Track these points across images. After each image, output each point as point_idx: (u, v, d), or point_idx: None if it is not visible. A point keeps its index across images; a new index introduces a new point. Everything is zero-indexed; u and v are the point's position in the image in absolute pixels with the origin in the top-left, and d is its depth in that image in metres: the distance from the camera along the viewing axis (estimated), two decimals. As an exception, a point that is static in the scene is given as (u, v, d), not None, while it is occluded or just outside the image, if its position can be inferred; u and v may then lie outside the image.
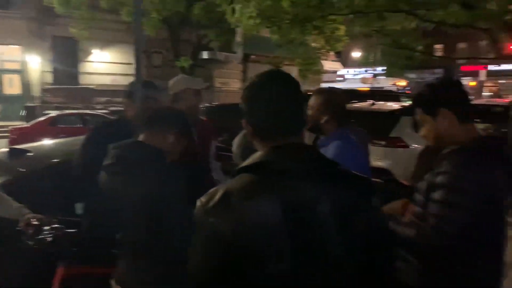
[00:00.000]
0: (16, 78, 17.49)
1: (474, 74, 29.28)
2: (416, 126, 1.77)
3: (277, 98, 1.08)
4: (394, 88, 24.97)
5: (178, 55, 16.10)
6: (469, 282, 1.52)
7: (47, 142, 4.65)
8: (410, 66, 10.89)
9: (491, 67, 28.24)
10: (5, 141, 10.61)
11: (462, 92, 1.67)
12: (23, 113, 14.81)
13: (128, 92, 2.49)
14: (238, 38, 15.67)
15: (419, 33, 10.42)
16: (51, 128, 11.25)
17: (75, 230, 2.20)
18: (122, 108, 2.67)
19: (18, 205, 2.08)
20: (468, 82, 28.30)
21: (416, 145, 6.03)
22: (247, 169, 1.05)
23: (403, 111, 6.68)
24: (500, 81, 30.04)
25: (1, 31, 15.69)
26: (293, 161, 1.03)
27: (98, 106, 15.77)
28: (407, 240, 1.51)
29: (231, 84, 21.74)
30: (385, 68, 17.93)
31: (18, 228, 1.91)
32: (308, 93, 2.65)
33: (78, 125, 11.75)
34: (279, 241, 0.96)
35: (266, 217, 0.96)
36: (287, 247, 0.96)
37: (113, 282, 1.78)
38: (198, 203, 1.04)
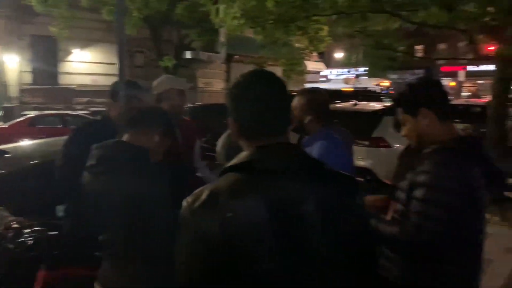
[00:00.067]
0: (-7, 78, 17.11)
1: (453, 75, 29.89)
2: (397, 126, 1.80)
3: (263, 97, 1.09)
4: (378, 89, 25.28)
5: (161, 54, 15.98)
6: (450, 278, 1.56)
7: (26, 143, 4.57)
8: (392, 66, 11.04)
9: (470, 68, 28.86)
10: (-18, 142, 10.35)
11: (441, 92, 1.70)
12: (0, 113, 14.48)
13: (112, 92, 2.47)
14: (222, 38, 15.61)
15: (401, 34, 10.58)
16: (30, 128, 11.06)
17: (57, 232, 2.17)
18: (103, 109, 2.64)
19: None
20: (448, 83, 28.85)
21: (399, 145, 6.12)
22: (233, 168, 1.05)
23: (386, 111, 6.78)
24: (478, 82, 30.72)
25: (-23, 29, 15.35)
26: (279, 160, 1.04)
27: (79, 107, 15.54)
28: (390, 238, 1.54)
29: (214, 84, 21.69)
30: (367, 68, 18.15)
31: (-3, 231, 1.87)
32: (292, 93, 2.67)
33: (58, 126, 11.57)
34: (266, 240, 0.96)
35: (253, 216, 0.97)
36: (273, 246, 0.96)
37: (96, 284, 1.76)
38: (184, 203, 1.03)
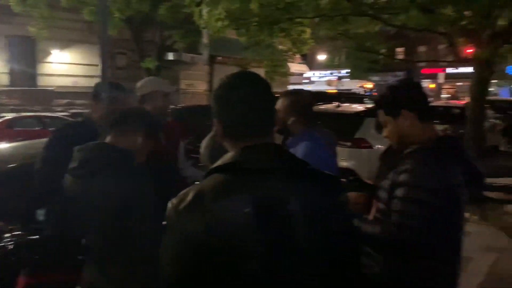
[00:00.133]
0: (-32, 79, 16.70)
1: (433, 77, 30.48)
2: (379, 127, 1.83)
3: (247, 98, 1.10)
4: (361, 91, 25.59)
5: (143, 56, 15.85)
6: (431, 275, 1.59)
7: (3, 145, 4.46)
8: (373, 68, 11.21)
9: (449, 70, 29.47)
10: (-42, 145, 10.07)
11: (421, 93, 1.74)
12: (-23, 116, 14.12)
13: (94, 94, 2.44)
14: (205, 39, 15.59)
15: (382, 37, 10.75)
16: (7, 131, 10.82)
17: (37, 237, 2.13)
18: (83, 111, 2.61)
19: None
20: (428, 85, 29.40)
21: (380, 146, 6.21)
22: (218, 169, 1.05)
23: (367, 112, 6.87)
24: (457, 84, 31.38)
25: (-48, 29, 14.94)
26: (264, 160, 1.04)
27: (58, 109, 15.25)
28: (372, 236, 1.57)
29: (197, 86, 21.59)
30: (349, 70, 18.37)
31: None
32: (276, 95, 2.69)
33: (37, 128, 11.36)
34: (251, 240, 0.97)
35: (238, 216, 0.97)
36: (259, 245, 0.97)
37: (79, 289, 1.73)
38: (170, 204, 1.03)
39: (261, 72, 15.62)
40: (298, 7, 7.04)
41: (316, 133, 2.30)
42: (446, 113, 10.58)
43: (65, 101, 16.96)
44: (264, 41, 9.86)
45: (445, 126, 8.69)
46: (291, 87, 15.28)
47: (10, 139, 8.38)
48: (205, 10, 7.44)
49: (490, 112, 11.36)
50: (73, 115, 11.93)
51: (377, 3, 7.85)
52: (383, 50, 10.46)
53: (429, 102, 1.82)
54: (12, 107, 14.91)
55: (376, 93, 20.33)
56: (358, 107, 7.67)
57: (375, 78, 28.42)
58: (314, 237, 1.02)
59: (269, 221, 0.99)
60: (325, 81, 33.12)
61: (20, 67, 17.15)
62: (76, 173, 1.68)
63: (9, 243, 1.82)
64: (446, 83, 32.34)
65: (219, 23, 6.72)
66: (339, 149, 2.69)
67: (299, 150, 2.12)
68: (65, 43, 17.82)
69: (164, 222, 1.06)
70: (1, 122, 11.32)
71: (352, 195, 1.86)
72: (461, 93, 28.79)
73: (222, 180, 1.02)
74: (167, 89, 2.72)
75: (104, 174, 1.64)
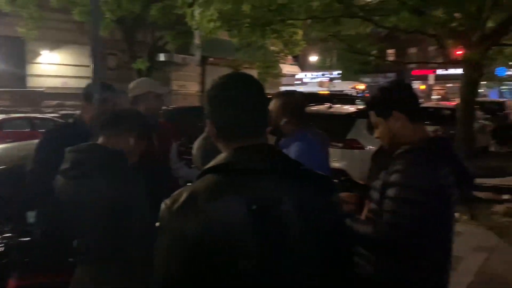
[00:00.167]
0: (-45, 80, 16.47)
1: (424, 78, 30.74)
2: (371, 128, 1.84)
3: (240, 99, 1.10)
4: (353, 92, 25.72)
5: (134, 57, 15.77)
6: (422, 274, 1.61)
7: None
8: (364, 70, 11.28)
9: (439, 72, 29.75)
10: None
11: (412, 94, 1.76)
12: (-35, 117, 13.93)
13: (86, 94, 2.42)
14: (197, 40, 15.56)
15: (373, 38, 10.82)
16: (-4, 132, 10.70)
17: (28, 239, 2.11)
18: (74, 112, 2.59)
19: None
20: (419, 86, 29.66)
21: (372, 147, 6.25)
22: (211, 170, 1.06)
23: (359, 113, 6.91)
24: (447, 85, 31.69)
25: None
26: (257, 161, 1.05)
27: (48, 110, 15.10)
28: (364, 236, 1.58)
29: (189, 87, 21.54)
30: (340, 72, 18.44)
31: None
32: (268, 96, 2.70)
33: (26, 129, 11.26)
34: (246, 240, 0.97)
35: (232, 216, 0.98)
36: (253, 245, 0.97)
37: (70, 291, 1.72)
38: (163, 205, 1.03)
39: (253, 73, 15.62)
40: (290, 9, 7.07)
41: (308, 134, 2.32)
42: (436, 114, 10.69)
43: (55, 102, 16.81)
44: (256, 42, 9.87)
45: (436, 127, 8.77)
46: (283, 88, 15.30)
47: (-1, 140, 8.29)
48: (197, 11, 7.43)
49: (479, 113, 11.50)
50: (63, 116, 11.84)
51: (368, 5, 7.91)
52: (374, 52, 10.52)
53: (420, 103, 1.84)
54: (1, 108, 14.74)
55: (368, 94, 20.46)
56: (350, 108, 7.72)
57: (366, 79, 28.59)
58: (307, 237, 1.02)
59: (263, 222, 0.99)
60: (317, 82, 33.23)
61: (9, 68, 16.97)
62: (68, 174, 1.67)
63: (0, 245, 1.80)
64: (436, 84, 32.65)
65: (211, 24, 6.72)
66: (331, 150, 2.71)
67: (291, 150, 2.13)
68: (55, 43, 17.68)
69: (157, 223, 1.06)
70: (-11, 123, 11.20)
71: (344, 195, 1.87)
72: (451, 94, 29.09)
73: (215, 180, 1.03)
74: (160, 90, 2.72)
75: (96, 175, 1.63)
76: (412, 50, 30.68)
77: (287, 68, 23.59)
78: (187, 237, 0.97)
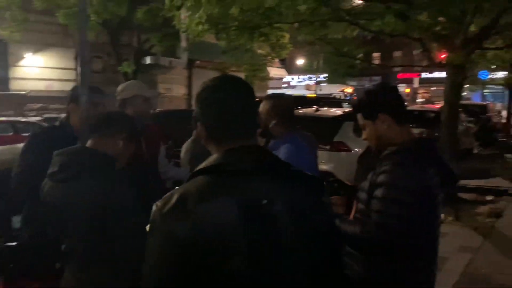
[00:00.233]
0: None
1: (409, 82, 31.18)
2: (357, 131, 1.88)
3: (230, 101, 1.11)
4: (342, 95, 25.91)
5: (120, 60, 15.63)
6: (409, 274, 1.63)
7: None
8: (350, 73, 11.38)
9: (424, 75, 30.19)
10: None
11: (398, 97, 1.80)
12: None
13: (73, 97, 2.40)
14: (183, 43, 15.51)
15: (359, 42, 10.93)
16: (-22, 136, 10.50)
17: (14, 243, 2.08)
18: (57, 115, 2.56)
19: None
20: (404, 89, 30.05)
21: (358, 149, 6.31)
22: (202, 172, 1.06)
23: (346, 116, 6.97)
24: (432, 88, 32.18)
25: None
26: (248, 162, 1.06)
27: (31, 113, 14.85)
28: (352, 236, 1.60)
29: (175, 90, 21.43)
30: (326, 75, 18.57)
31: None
32: (256, 99, 2.72)
33: (9, 133, 11.07)
34: (237, 241, 0.98)
35: (224, 217, 0.98)
36: (245, 246, 0.98)
37: (58, 296, 1.70)
38: (154, 207, 1.04)
39: (240, 76, 15.62)
40: (279, 12, 7.10)
41: (297, 136, 2.35)
42: (421, 117, 10.86)
43: (38, 105, 16.52)
44: (244, 45, 9.87)
45: (421, 129, 8.90)
46: (270, 91, 15.35)
47: (-19, 144, 8.11)
48: (183, 15, 7.40)
49: (463, 116, 11.70)
50: (47, 119, 11.65)
51: (354, 9, 7.99)
52: (360, 55, 10.63)
53: (406, 105, 1.87)
54: (-17, 112, 14.47)
55: (356, 97, 20.61)
56: (337, 111, 7.77)
57: (352, 83, 28.85)
58: (298, 237, 1.04)
59: (254, 222, 1.00)
60: (304, 85, 33.40)
61: (-10, 71, 16.67)
62: (56, 177, 1.65)
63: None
64: (421, 87, 33.15)
65: (200, 27, 6.71)
66: (318, 153, 2.73)
67: (281, 152, 2.15)
68: (38, 46, 17.42)
69: (147, 226, 1.05)
70: (-28, 127, 10.99)
71: (332, 198, 1.89)
72: (435, 97, 29.54)
73: (206, 182, 1.03)
74: (148, 94, 2.72)
75: (84, 178, 1.62)
76: (397, 54, 31.07)
77: (274, 71, 23.66)
78: (178, 239, 0.97)
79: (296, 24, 8.28)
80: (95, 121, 1.84)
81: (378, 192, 1.58)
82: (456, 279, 4.12)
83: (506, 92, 19.98)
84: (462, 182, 6.65)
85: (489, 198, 7.59)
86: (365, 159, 5.86)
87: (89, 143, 1.79)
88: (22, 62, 18.00)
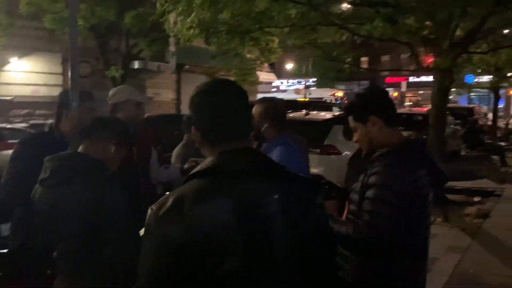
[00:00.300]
0: None
1: (396, 86, 31.54)
2: (347, 134, 1.90)
3: (224, 104, 1.12)
4: (332, 99, 26.09)
5: (108, 64, 15.52)
6: (400, 273, 1.65)
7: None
8: (339, 77, 11.49)
9: (412, 79, 30.55)
10: None
11: (388, 100, 1.83)
12: None
13: (63, 102, 2.38)
14: (171, 47, 15.48)
15: (348, 46, 11.03)
16: (-39, 143, 10.29)
17: (5, 251, 2.05)
18: (44, 121, 2.53)
19: None
20: (392, 93, 30.37)
21: (348, 152, 6.35)
22: (197, 174, 1.06)
23: (335, 120, 7.01)
24: (419, 92, 32.59)
25: None
26: (243, 163, 1.07)
27: (17, 120, 14.64)
28: (344, 236, 1.61)
29: (164, 95, 21.33)
30: (315, 79, 18.66)
31: None
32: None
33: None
34: (235, 241, 0.98)
35: (219, 219, 0.99)
36: (240, 247, 0.99)
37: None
38: (149, 211, 1.04)
39: (230, 80, 15.61)
40: (270, 17, 7.14)
41: (289, 139, 2.37)
42: (409, 120, 10.98)
43: (24, 111, 16.30)
44: (234, 49, 9.87)
45: (409, 132, 9.00)
46: (260, 96, 15.41)
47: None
48: (172, 19, 7.39)
49: (450, 119, 11.87)
50: (33, 126, 11.46)
51: (344, 13, 8.07)
52: (349, 59, 10.72)
53: (395, 108, 1.90)
54: (-33, 118, 14.24)
55: (346, 101, 20.77)
56: (326, 115, 7.82)
57: (341, 87, 29.04)
58: (294, 238, 1.05)
59: (250, 223, 1.01)
60: (293, 89, 33.52)
61: (-26, 76, 16.37)
62: (48, 183, 1.64)
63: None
64: (409, 91, 33.54)
65: (191, 31, 6.72)
66: (309, 156, 2.75)
67: (273, 155, 2.16)
68: (24, 51, 17.16)
69: (141, 230, 1.05)
70: (-43, 134, 10.79)
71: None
72: (423, 101, 29.92)
73: (202, 184, 1.04)
74: (140, 99, 2.71)
75: (76, 183, 1.61)
76: (385, 58, 31.43)
77: (264, 75, 23.73)
78: (174, 241, 0.97)
79: (286, 29, 8.33)
80: (87, 126, 1.83)
81: (370, 193, 1.61)
82: (446, 279, 4.16)
83: (492, 95, 20.31)
84: (450, 183, 6.73)
85: (476, 199, 7.71)
86: (355, 161, 5.90)
87: (80, 148, 1.77)
88: (7, 67, 17.73)
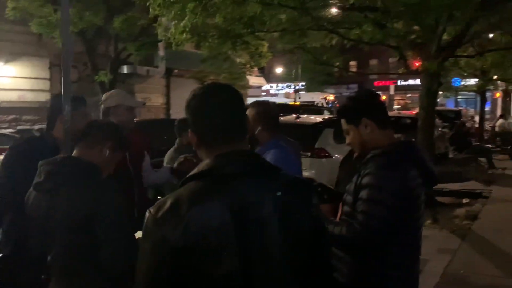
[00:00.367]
0: None
1: (385, 89, 31.85)
2: (339, 136, 1.93)
3: (220, 107, 1.14)
4: (324, 102, 26.24)
5: (96, 69, 15.40)
6: (392, 274, 1.67)
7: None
8: (328, 81, 11.59)
9: (400, 82, 30.91)
10: None
11: (379, 103, 1.87)
12: None
13: (55, 107, 2.36)
14: (161, 52, 15.44)
15: (338, 50, 11.13)
16: None
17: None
18: (30, 127, 2.51)
19: None
20: (381, 96, 30.68)
21: (339, 155, 6.39)
22: (194, 177, 1.07)
23: (326, 123, 7.06)
24: (407, 95, 32.96)
25: None
26: (240, 165, 1.08)
27: (4, 125, 14.40)
28: (339, 237, 1.63)
29: (153, 99, 21.22)
30: (304, 83, 18.80)
31: None
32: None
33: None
34: (229, 243, 0.99)
35: (216, 220, 1.00)
36: (236, 248, 0.99)
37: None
38: (147, 213, 1.05)
39: (220, 85, 15.60)
40: (262, 21, 7.17)
41: (282, 142, 2.39)
42: (398, 123, 11.10)
43: (10, 117, 16.04)
44: (225, 53, 9.88)
45: (398, 135, 9.09)
46: (250, 100, 15.46)
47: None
48: (164, 23, 7.39)
49: (438, 122, 12.02)
50: (20, 131, 11.29)
51: (334, 18, 8.14)
52: (338, 63, 10.81)
53: (386, 110, 1.93)
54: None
55: (338, 105, 20.92)
56: (317, 118, 7.87)
57: (330, 90, 29.24)
58: (289, 239, 1.06)
59: (247, 224, 1.02)
60: (283, 93, 33.62)
61: (-42, 81, 16.08)
62: (42, 187, 1.62)
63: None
64: (397, 94, 33.91)
65: (183, 36, 6.72)
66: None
67: (267, 158, 2.17)
68: (10, 56, 16.90)
69: (136, 233, 1.06)
70: None
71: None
72: (411, 104, 30.24)
73: (199, 186, 1.05)
74: (132, 103, 2.72)
75: (70, 187, 1.60)
76: (373, 62, 31.73)
77: (253, 79, 23.76)
78: (172, 243, 0.98)
79: (276, 33, 8.38)
80: (81, 130, 1.82)
81: (363, 194, 1.63)
82: (437, 280, 4.21)
83: (478, 98, 20.62)
84: (439, 185, 6.80)
85: (465, 201, 7.81)
86: (347, 164, 5.94)
87: (75, 152, 1.77)
88: (-7, 72, 17.47)
